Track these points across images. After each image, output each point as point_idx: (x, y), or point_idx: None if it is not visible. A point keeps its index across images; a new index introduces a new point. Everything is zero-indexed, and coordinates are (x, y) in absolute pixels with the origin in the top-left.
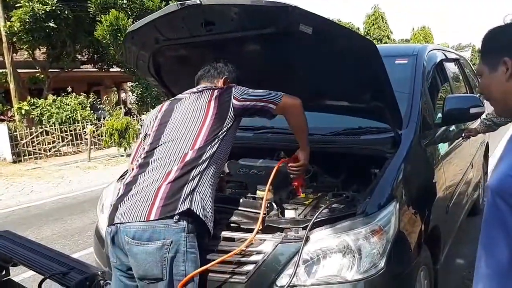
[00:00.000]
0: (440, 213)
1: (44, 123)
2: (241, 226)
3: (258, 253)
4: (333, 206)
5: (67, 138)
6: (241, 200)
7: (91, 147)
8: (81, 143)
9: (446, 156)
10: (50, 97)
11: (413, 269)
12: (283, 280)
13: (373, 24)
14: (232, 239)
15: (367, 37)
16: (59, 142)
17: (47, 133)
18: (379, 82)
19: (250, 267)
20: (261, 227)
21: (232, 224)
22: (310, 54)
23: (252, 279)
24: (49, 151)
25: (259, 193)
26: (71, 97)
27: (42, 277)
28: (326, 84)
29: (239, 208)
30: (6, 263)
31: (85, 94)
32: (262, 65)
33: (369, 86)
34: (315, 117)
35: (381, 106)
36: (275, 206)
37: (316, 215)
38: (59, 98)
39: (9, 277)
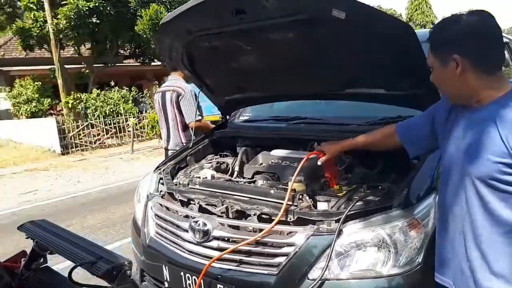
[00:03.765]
0: None
1: (89, 116)
2: (272, 218)
3: (290, 245)
4: (367, 198)
5: (111, 131)
6: (271, 191)
7: (134, 139)
8: (124, 136)
9: None
10: (94, 91)
11: None
12: (315, 273)
13: (416, 10)
14: (261, 230)
15: (409, 23)
16: (104, 135)
17: (92, 126)
18: (417, 68)
19: (281, 259)
20: (284, 218)
21: (263, 216)
22: (344, 40)
23: (284, 272)
24: (95, 143)
25: (290, 185)
26: (114, 91)
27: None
28: (361, 71)
29: (269, 199)
30: (43, 251)
31: (127, 88)
32: (294, 53)
33: (407, 72)
34: (350, 106)
35: (420, 93)
36: (307, 198)
37: (350, 207)
38: (102, 92)
39: (46, 264)
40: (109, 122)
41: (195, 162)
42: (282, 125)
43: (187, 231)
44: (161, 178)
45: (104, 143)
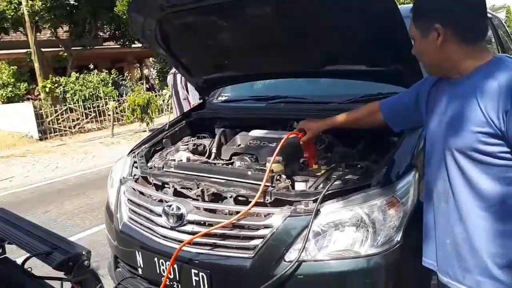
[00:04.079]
0: None
1: (68, 100)
2: (249, 200)
3: (266, 227)
4: (346, 177)
5: (90, 115)
6: (248, 173)
7: (114, 123)
8: (104, 120)
9: None
10: (73, 75)
11: None
12: (292, 255)
13: None
14: (237, 213)
15: None
16: (83, 119)
17: (71, 110)
18: (399, 42)
19: (258, 242)
20: (261, 199)
21: (240, 198)
22: (323, 15)
23: (260, 254)
24: (74, 128)
25: (268, 166)
26: (93, 74)
27: None
28: (341, 47)
29: (246, 181)
30: (1, 241)
31: (107, 71)
32: (272, 29)
33: (389, 47)
34: (331, 84)
35: (402, 69)
36: (285, 178)
37: (328, 187)
38: (81, 75)
39: (5, 255)
40: (89, 106)
41: (172, 145)
42: (262, 105)
43: (160, 215)
44: (135, 162)
45: (84, 127)
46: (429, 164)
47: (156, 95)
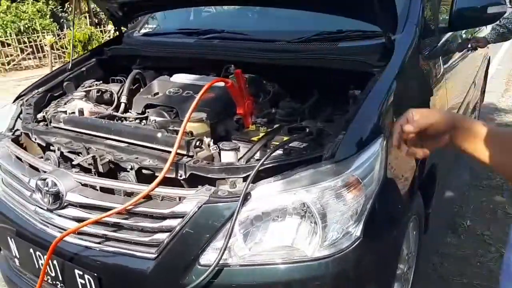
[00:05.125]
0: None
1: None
2: (156, 174)
3: (175, 216)
4: (290, 145)
5: (27, 51)
6: (158, 135)
7: (55, 60)
8: (44, 57)
9: (448, 73)
10: (4, 3)
11: (401, 229)
12: (209, 256)
13: None
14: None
15: None
16: (19, 55)
17: (3, 44)
18: None
19: (163, 236)
20: (173, 175)
21: (144, 171)
22: None
23: (166, 254)
24: (8, 64)
25: (189, 124)
26: (27, 4)
27: None
28: None
29: (154, 146)
30: None
31: (44, 1)
32: None
33: None
34: (278, 17)
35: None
36: (211, 144)
37: (263, 160)
38: (14, 4)
39: None
40: (25, 41)
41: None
42: (190, 40)
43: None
44: (21, 112)
45: (20, 64)
46: None
47: (100, 31)
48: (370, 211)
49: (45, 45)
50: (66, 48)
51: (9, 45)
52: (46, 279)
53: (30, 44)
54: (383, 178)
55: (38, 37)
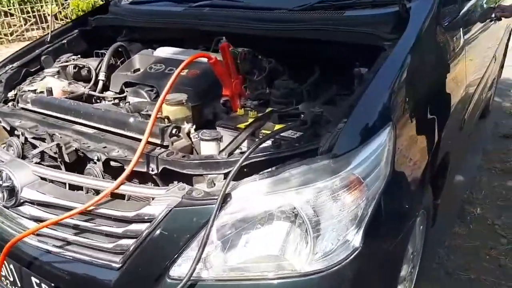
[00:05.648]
0: (454, 133)
1: (2, 3)
2: (125, 167)
3: (143, 220)
4: (280, 135)
5: (30, 21)
6: (130, 120)
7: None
8: (48, 27)
9: (467, 45)
10: None
11: (408, 231)
12: (181, 267)
13: None
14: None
15: None
16: (22, 25)
17: (6, 14)
18: None
19: (129, 242)
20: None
21: (112, 163)
22: None
23: (131, 263)
24: (11, 35)
25: (165, 107)
26: None
27: None
28: None
29: (125, 133)
30: None
31: None
32: None
33: None
34: None
35: None
36: (187, 131)
37: (247, 153)
38: None
39: None
40: (28, 11)
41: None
42: (178, 9)
43: None
44: None
45: (23, 35)
46: None
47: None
48: (372, 215)
49: (48, 15)
50: (71, 18)
51: (12, 15)
52: (5, 284)
53: (34, 14)
54: (389, 174)
55: (41, 6)
